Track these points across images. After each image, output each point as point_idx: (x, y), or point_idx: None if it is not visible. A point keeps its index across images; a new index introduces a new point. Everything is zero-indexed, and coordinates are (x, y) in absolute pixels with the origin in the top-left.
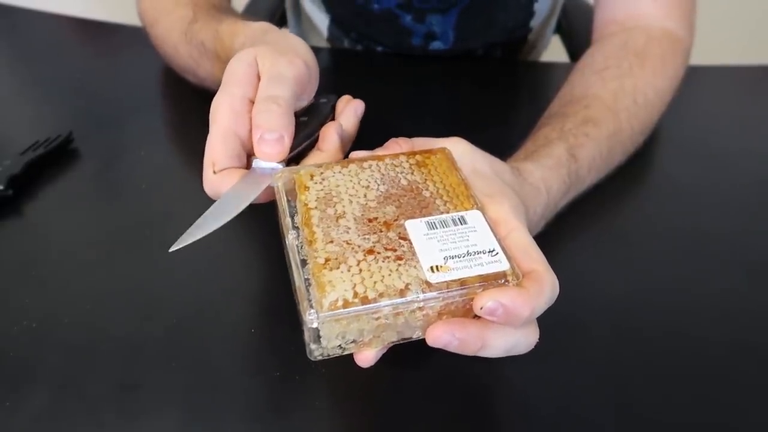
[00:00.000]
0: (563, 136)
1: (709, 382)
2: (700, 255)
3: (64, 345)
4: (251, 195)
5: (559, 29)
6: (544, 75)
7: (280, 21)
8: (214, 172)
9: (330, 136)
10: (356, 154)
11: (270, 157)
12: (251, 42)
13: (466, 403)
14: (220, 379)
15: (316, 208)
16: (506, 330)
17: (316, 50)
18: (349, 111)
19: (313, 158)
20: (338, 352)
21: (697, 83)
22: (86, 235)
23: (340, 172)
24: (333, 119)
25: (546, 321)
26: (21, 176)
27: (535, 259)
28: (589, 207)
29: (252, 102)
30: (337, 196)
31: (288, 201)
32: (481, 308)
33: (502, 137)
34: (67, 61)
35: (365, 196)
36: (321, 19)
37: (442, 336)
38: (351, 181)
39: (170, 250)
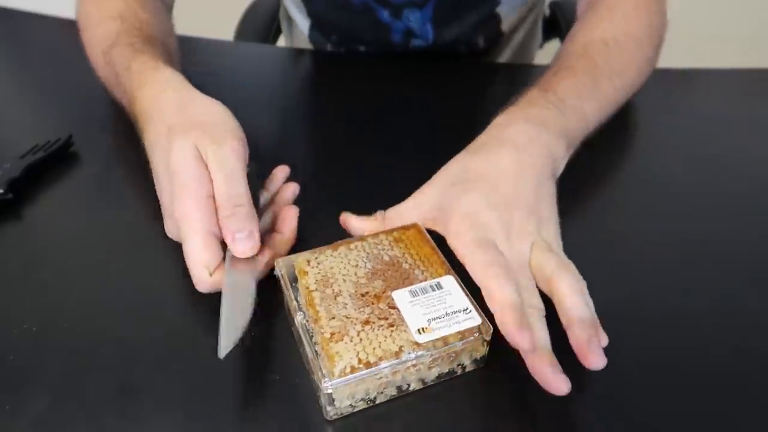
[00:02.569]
0: (536, 85)
1: (708, 385)
2: (698, 259)
3: (64, 348)
4: (253, 278)
5: (559, 32)
6: (541, 77)
7: (278, 27)
8: (211, 275)
9: (290, 222)
10: (345, 215)
11: (245, 254)
12: (153, 102)
13: (463, 405)
14: (220, 382)
15: (316, 290)
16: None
17: (300, 53)
18: (288, 198)
19: (276, 241)
20: (350, 410)
21: (696, 87)
22: (86, 238)
23: (332, 255)
24: (263, 186)
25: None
26: (21, 179)
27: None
28: (585, 211)
29: (212, 197)
30: (332, 276)
31: (291, 284)
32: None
33: None
34: (66, 63)
35: (356, 274)
36: (303, 24)
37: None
38: (342, 262)
39: (221, 357)
